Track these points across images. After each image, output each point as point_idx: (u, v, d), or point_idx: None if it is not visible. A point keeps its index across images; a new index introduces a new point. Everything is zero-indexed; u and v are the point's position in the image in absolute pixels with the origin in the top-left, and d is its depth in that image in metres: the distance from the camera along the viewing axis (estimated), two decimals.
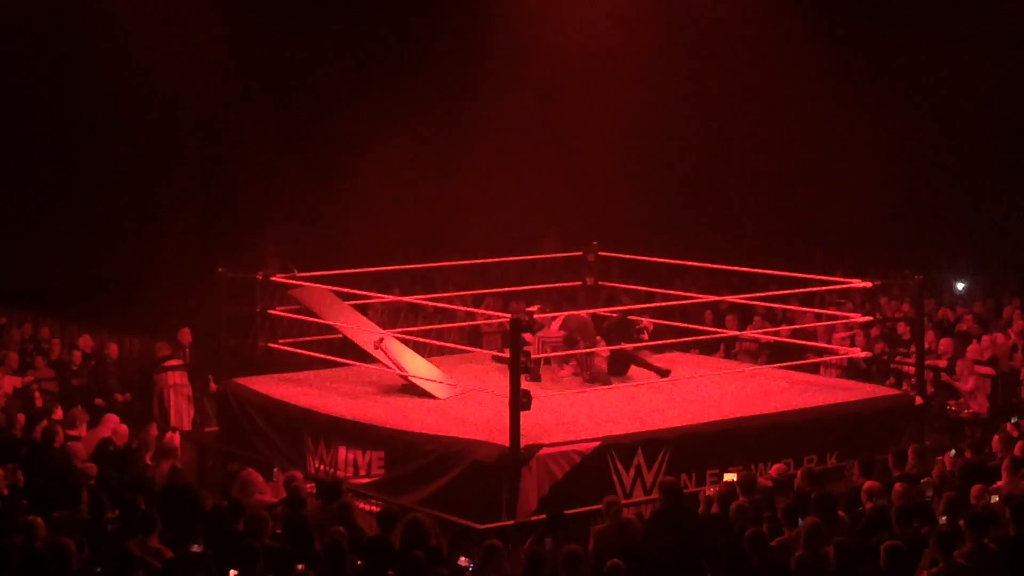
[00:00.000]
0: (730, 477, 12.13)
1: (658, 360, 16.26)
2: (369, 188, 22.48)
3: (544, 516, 11.34)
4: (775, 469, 12.40)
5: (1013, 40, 22.53)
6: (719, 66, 23.84)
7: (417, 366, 15.34)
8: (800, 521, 10.23)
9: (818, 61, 23.10)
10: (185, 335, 17.86)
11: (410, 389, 15.09)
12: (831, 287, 18.33)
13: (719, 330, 18.37)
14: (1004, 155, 23.39)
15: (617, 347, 15.52)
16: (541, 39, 23.41)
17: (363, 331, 15.66)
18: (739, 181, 24.72)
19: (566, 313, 15.93)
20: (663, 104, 24.02)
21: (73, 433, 13.76)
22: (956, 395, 16.88)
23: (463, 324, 18.58)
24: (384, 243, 21.42)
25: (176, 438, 14.22)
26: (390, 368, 15.23)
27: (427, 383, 15.02)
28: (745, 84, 23.82)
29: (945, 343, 17.70)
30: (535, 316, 15.01)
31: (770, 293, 17.24)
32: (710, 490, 12.10)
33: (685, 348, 17.71)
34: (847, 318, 17.93)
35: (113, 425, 13.96)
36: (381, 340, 15.28)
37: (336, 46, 23.44)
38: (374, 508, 12.89)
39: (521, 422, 12.73)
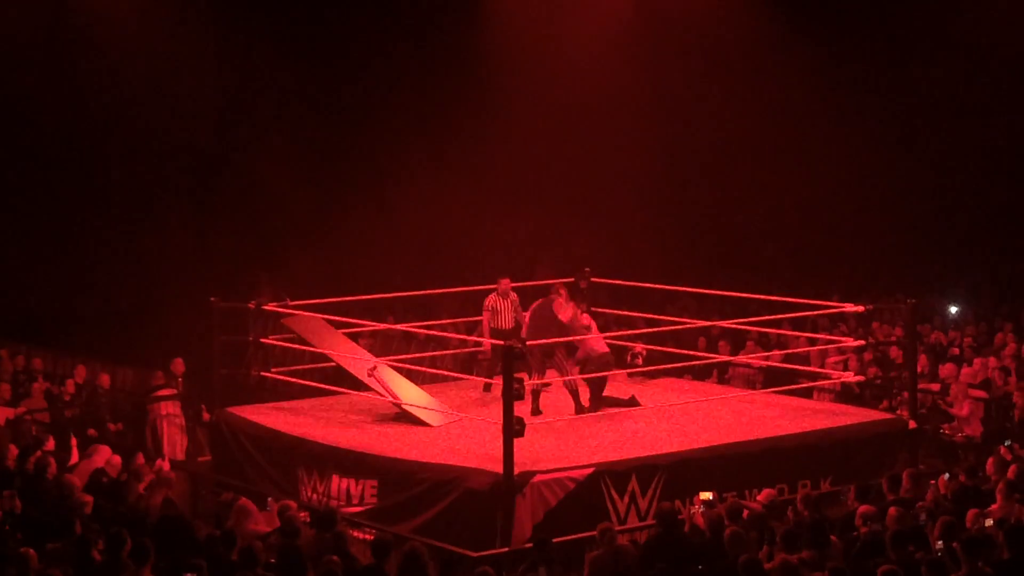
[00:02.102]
0: (706, 496, 12.12)
1: (632, 387, 16.28)
2: (364, 217, 22.50)
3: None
4: (765, 494, 12.39)
5: (1007, 69, 22.62)
6: (712, 93, 23.90)
7: (410, 394, 15.33)
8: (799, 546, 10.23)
9: (812, 87, 23.17)
10: (178, 365, 17.84)
11: (403, 417, 15.08)
12: (823, 312, 18.34)
13: (712, 355, 18.37)
14: (996, 181, 23.45)
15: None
16: (537, 68, 23.47)
17: (356, 359, 15.67)
18: (731, 207, 24.75)
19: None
20: (655, 132, 24.08)
21: (70, 463, 13.77)
22: (951, 419, 16.88)
23: (456, 351, 18.58)
24: (381, 272, 21.42)
25: (165, 466, 14.21)
26: (383, 396, 15.23)
27: (420, 411, 15.01)
28: (739, 111, 23.88)
29: (949, 368, 17.73)
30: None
31: (763, 318, 17.26)
32: (694, 511, 12.09)
33: (678, 374, 17.71)
34: (840, 343, 17.94)
35: (106, 456, 13.93)
36: (374, 368, 15.28)
37: (331, 74, 23.48)
38: (368, 537, 12.86)
39: (515, 449, 12.72)
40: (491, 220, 23.02)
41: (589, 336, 15.35)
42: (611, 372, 15.43)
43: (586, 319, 15.71)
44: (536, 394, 15.11)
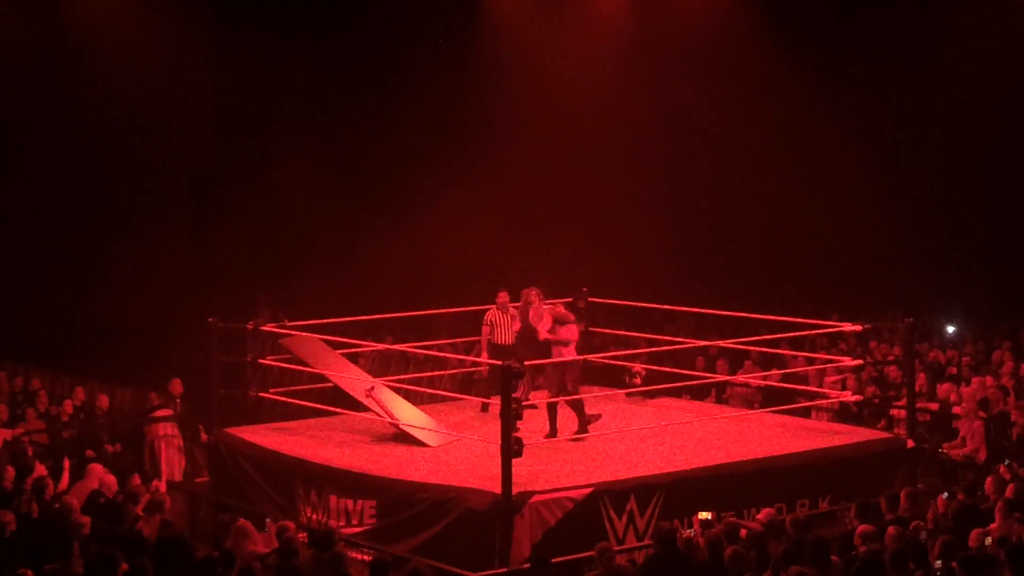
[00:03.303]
0: (704, 515, 12.12)
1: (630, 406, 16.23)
2: (360, 238, 22.50)
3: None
4: (764, 514, 12.37)
5: (1002, 81, 22.65)
6: (707, 113, 23.93)
7: (408, 414, 15.31)
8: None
9: (808, 106, 23.21)
10: (176, 385, 17.80)
11: (402, 437, 15.07)
12: (822, 331, 18.34)
13: (710, 375, 18.36)
14: (994, 197, 23.46)
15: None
16: (532, 89, 23.56)
17: (354, 380, 15.65)
18: (728, 226, 24.77)
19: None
20: (651, 151, 24.12)
21: (63, 484, 13.73)
22: (949, 438, 16.87)
23: (454, 371, 18.58)
24: (376, 293, 21.42)
25: (161, 487, 14.16)
26: (381, 417, 15.21)
27: (419, 431, 15.00)
28: (734, 130, 23.92)
29: (947, 387, 17.73)
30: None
31: (761, 337, 17.26)
32: (687, 532, 12.08)
33: (676, 393, 17.70)
34: (838, 362, 17.94)
35: (99, 476, 13.90)
36: (372, 389, 15.27)
37: (325, 95, 23.50)
38: (366, 557, 12.85)
39: (513, 469, 12.71)
40: (490, 240, 23.00)
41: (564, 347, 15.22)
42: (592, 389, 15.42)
43: (569, 330, 15.33)
44: (553, 413, 15.05)
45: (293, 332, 16.03)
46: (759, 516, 12.45)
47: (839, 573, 10.46)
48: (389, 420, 15.17)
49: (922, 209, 23.66)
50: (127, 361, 19.76)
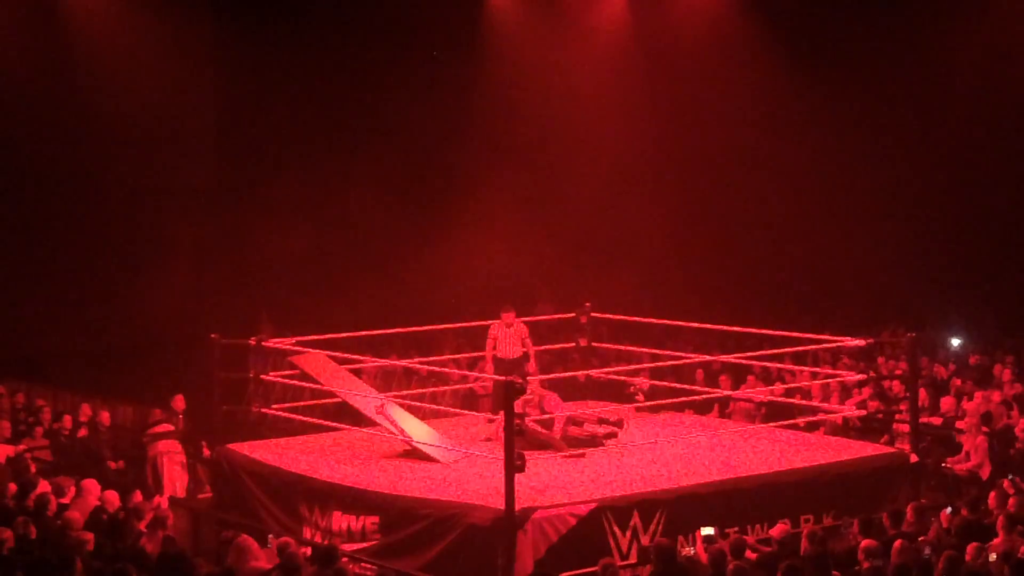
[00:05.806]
0: (707, 531, 12.09)
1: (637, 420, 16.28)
2: (363, 253, 22.51)
3: None
4: (778, 529, 12.30)
5: (1008, 96, 22.67)
6: (707, 126, 23.96)
7: (418, 431, 15.29)
8: None
9: (808, 118, 23.23)
10: (179, 402, 17.81)
11: (405, 453, 15.06)
12: (825, 346, 18.33)
13: (713, 390, 18.35)
14: (996, 210, 23.46)
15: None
16: (530, 105, 23.59)
17: (364, 396, 15.64)
18: (730, 240, 24.78)
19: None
20: (652, 166, 24.14)
21: (64, 501, 13.71)
22: (953, 453, 16.85)
23: (457, 387, 18.57)
24: (379, 308, 21.42)
25: (163, 503, 14.15)
26: (392, 433, 15.19)
27: (430, 448, 14.98)
28: (734, 143, 23.94)
29: (949, 402, 17.70)
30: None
31: (764, 352, 17.24)
32: (688, 550, 12.08)
33: (679, 408, 17.69)
34: (841, 377, 17.92)
35: (98, 492, 13.88)
36: (383, 405, 15.26)
37: (327, 112, 23.54)
38: (370, 574, 12.82)
39: (516, 485, 12.70)
40: (490, 256, 23.02)
41: None
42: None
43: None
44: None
45: (298, 348, 16.03)
46: (772, 532, 12.39)
47: None
48: (401, 437, 15.15)
49: (924, 223, 23.66)
50: (129, 377, 19.76)
